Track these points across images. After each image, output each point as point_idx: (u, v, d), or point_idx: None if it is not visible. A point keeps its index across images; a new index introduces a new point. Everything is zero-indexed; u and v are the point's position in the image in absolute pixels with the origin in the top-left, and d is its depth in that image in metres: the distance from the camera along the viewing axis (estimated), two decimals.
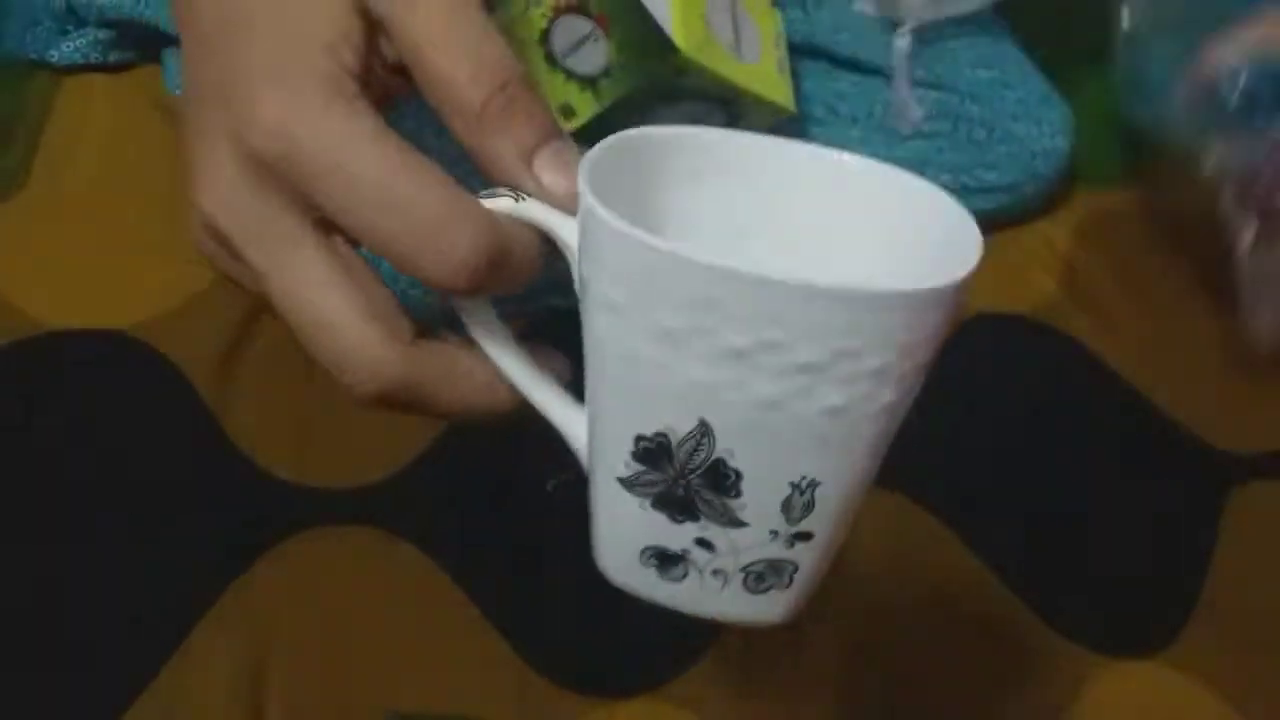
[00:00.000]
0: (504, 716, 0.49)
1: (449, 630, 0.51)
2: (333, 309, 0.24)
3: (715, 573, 0.27)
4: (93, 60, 0.65)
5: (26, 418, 0.54)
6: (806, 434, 0.23)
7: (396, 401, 0.25)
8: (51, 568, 0.50)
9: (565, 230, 0.25)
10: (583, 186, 0.23)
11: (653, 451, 0.24)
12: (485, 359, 0.27)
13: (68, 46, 0.65)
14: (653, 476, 0.25)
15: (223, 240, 0.25)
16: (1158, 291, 0.67)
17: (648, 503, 0.25)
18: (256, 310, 0.58)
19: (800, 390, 0.23)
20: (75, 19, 0.65)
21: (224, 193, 0.24)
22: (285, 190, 0.24)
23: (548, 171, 0.24)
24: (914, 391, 0.25)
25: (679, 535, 0.26)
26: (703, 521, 0.25)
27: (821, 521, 0.26)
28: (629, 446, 0.25)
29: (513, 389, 0.28)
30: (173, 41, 0.63)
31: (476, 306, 0.27)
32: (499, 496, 0.54)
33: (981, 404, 0.61)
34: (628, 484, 0.25)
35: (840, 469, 0.25)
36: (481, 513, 0.54)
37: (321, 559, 0.52)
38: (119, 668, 0.48)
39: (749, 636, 0.51)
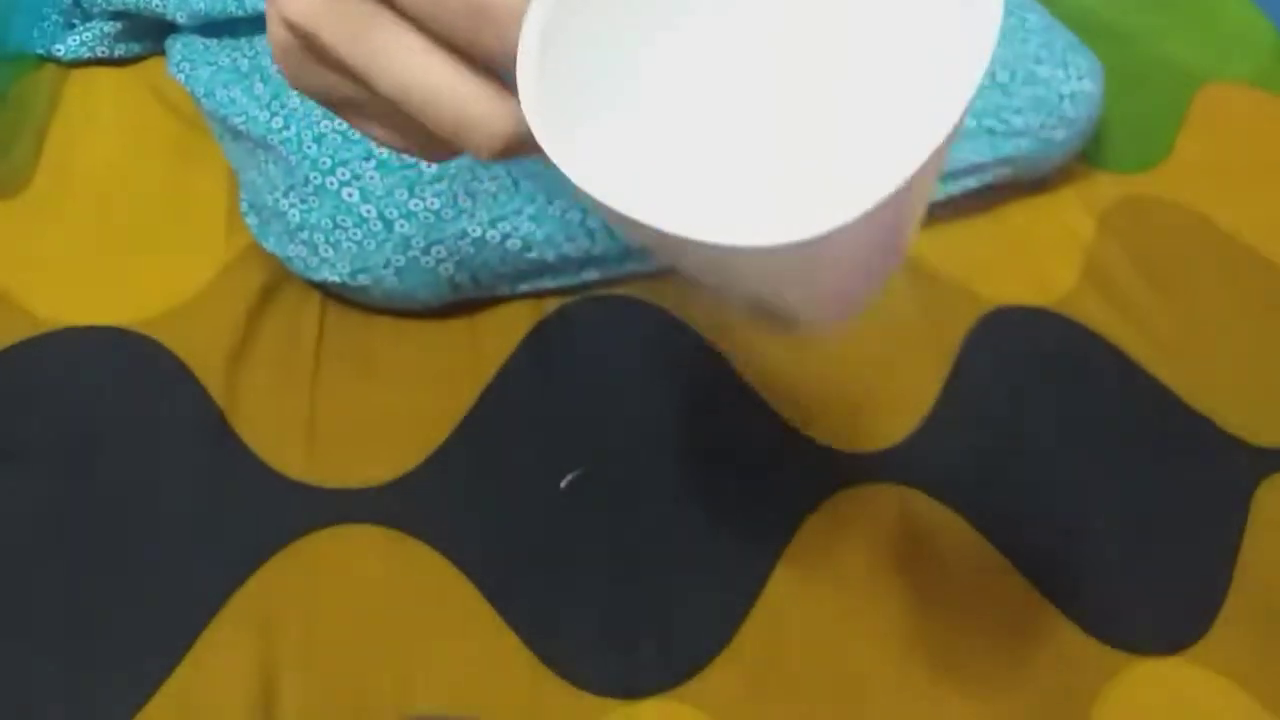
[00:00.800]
0: (518, 716, 0.48)
1: (464, 629, 0.50)
2: (440, 80, 0.25)
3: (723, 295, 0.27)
4: (99, 54, 0.65)
5: (33, 417, 0.54)
6: (741, 283, 0.24)
7: (514, 151, 0.26)
8: (59, 570, 0.50)
9: None
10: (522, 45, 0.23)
11: None
12: None
13: (74, 40, 0.64)
14: None
15: (313, 46, 0.26)
16: (1181, 283, 0.66)
17: None
18: (263, 305, 0.58)
19: (712, 273, 0.23)
20: (81, 13, 0.65)
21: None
22: None
23: None
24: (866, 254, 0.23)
25: None
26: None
27: (803, 306, 0.25)
28: None
29: None
30: (178, 30, 0.62)
31: None
32: (514, 494, 0.54)
33: (1003, 398, 0.60)
34: None
35: (795, 296, 0.25)
36: (496, 511, 0.53)
37: (334, 558, 0.51)
38: (131, 669, 0.48)
39: (769, 636, 0.51)
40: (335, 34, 0.25)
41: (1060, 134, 0.64)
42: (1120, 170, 0.71)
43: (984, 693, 0.51)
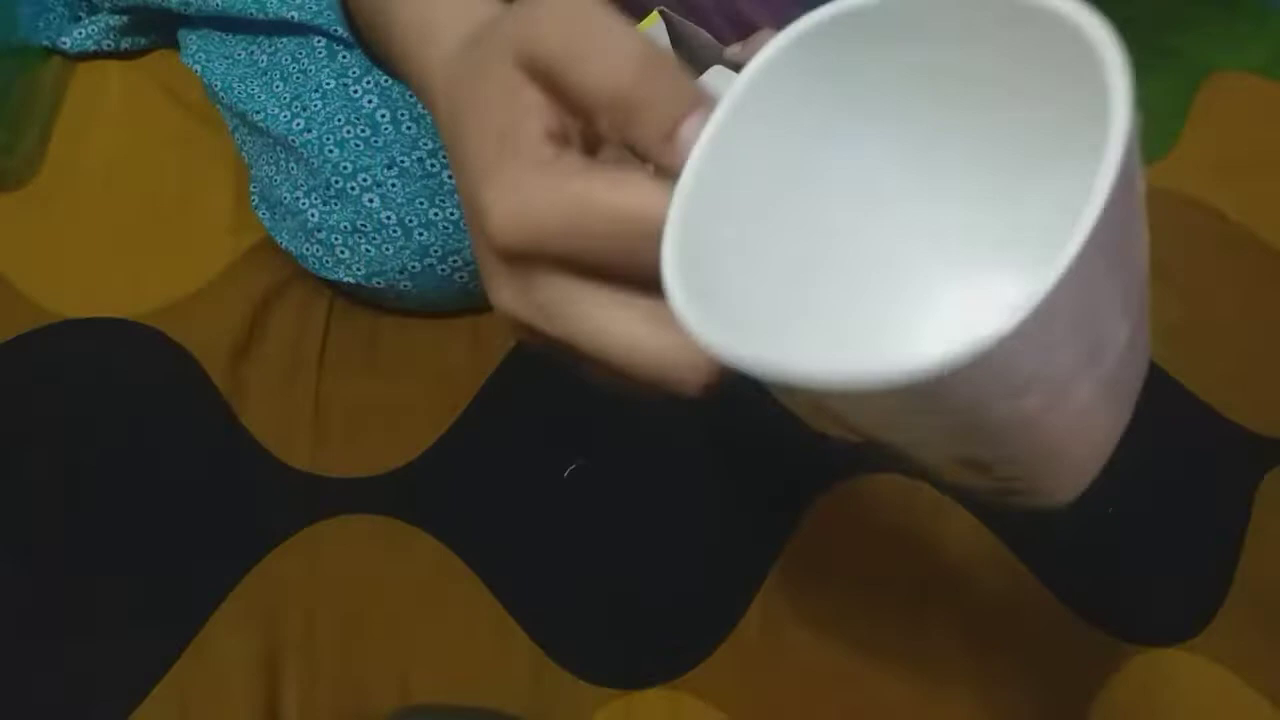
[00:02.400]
0: (520, 705, 0.49)
1: (465, 619, 0.50)
2: (636, 333, 0.25)
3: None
4: (105, 47, 0.65)
5: (38, 408, 0.54)
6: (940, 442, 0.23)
7: (716, 389, 0.25)
8: (64, 560, 0.50)
9: None
10: (668, 278, 0.23)
11: None
12: None
13: (80, 33, 0.64)
14: None
15: (524, 323, 0.27)
16: (1186, 272, 0.65)
17: None
18: (270, 298, 0.58)
19: (936, 438, 0.22)
20: (87, 5, 0.65)
21: (503, 292, 0.26)
22: (541, 266, 0.25)
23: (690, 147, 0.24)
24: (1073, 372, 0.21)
25: None
26: None
27: (1017, 467, 0.24)
28: None
29: None
30: (188, 23, 0.62)
31: None
32: (516, 484, 0.54)
33: None
34: None
35: (997, 453, 0.23)
36: (498, 501, 0.54)
37: (337, 548, 0.52)
38: (135, 658, 0.48)
39: (769, 625, 0.51)
40: (541, 319, 0.26)
41: None
42: None
43: (987, 683, 0.51)
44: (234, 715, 0.47)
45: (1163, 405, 0.60)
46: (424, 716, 0.48)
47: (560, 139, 0.26)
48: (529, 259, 0.25)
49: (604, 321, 0.25)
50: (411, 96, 0.57)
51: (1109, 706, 0.51)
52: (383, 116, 0.54)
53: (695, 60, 0.49)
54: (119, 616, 0.49)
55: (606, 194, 0.24)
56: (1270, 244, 0.67)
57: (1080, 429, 0.23)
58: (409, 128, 0.54)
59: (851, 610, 0.52)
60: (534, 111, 0.25)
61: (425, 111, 0.57)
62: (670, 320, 0.23)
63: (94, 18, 0.65)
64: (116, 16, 0.65)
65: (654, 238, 0.24)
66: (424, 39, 0.30)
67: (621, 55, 0.24)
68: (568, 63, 0.24)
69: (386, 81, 0.55)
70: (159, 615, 0.49)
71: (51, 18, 0.65)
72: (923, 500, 0.55)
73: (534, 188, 0.24)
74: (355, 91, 0.56)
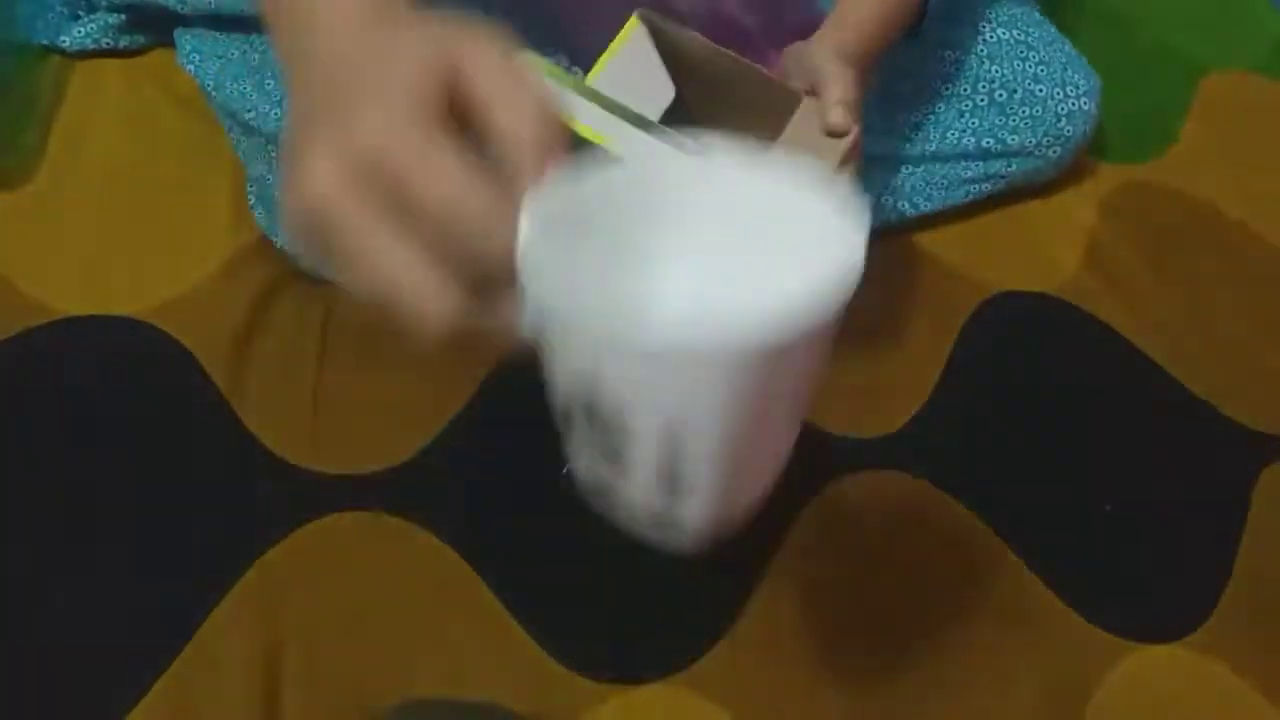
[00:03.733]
0: (520, 701, 0.49)
1: (465, 615, 0.50)
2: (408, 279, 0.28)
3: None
4: (104, 45, 0.65)
5: (39, 405, 0.54)
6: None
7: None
8: (65, 556, 0.50)
9: None
10: (523, 224, 0.28)
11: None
12: None
13: (79, 32, 0.65)
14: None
15: (324, 218, 0.29)
16: (1184, 269, 0.65)
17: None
18: (269, 296, 0.58)
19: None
20: (86, 4, 0.65)
21: (326, 182, 0.29)
22: (375, 182, 0.28)
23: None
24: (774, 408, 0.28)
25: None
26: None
27: (712, 480, 0.30)
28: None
29: None
30: (185, 22, 0.62)
31: None
32: (514, 481, 0.54)
33: (1005, 385, 0.60)
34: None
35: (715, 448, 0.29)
36: (498, 498, 0.54)
37: (336, 545, 0.52)
38: (135, 654, 0.48)
39: (768, 621, 0.51)
40: (346, 215, 0.28)
41: (1055, 151, 0.64)
42: (1125, 159, 0.70)
43: (983, 679, 0.51)
44: (234, 711, 0.47)
45: (1161, 402, 0.60)
46: (424, 711, 0.48)
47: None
48: (369, 171, 0.28)
49: (394, 263, 0.28)
50: None
51: (1107, 703, 0.51)
52: None
53: (682, 58, 0.49)
54: (119, 613, 0.49)
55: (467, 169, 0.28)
56: (1269, 241, 0.68)
57: (763, 462, 0.31)
58: None
59: (848, 607, 0.52)
60: (434, 95, 0.29)
61: None
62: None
63: (93, 16, 0.65)
64: (115, 15, 0.65)
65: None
66: None
67: (545, 121, 0.29)
68: (486, 107, 0.29)
69: None
70: (159, 612, 0.49)
71: (51, 16, 0.65)
72: (922, 497, 0.55)
73: (415, 128, 0.28)
74: None
